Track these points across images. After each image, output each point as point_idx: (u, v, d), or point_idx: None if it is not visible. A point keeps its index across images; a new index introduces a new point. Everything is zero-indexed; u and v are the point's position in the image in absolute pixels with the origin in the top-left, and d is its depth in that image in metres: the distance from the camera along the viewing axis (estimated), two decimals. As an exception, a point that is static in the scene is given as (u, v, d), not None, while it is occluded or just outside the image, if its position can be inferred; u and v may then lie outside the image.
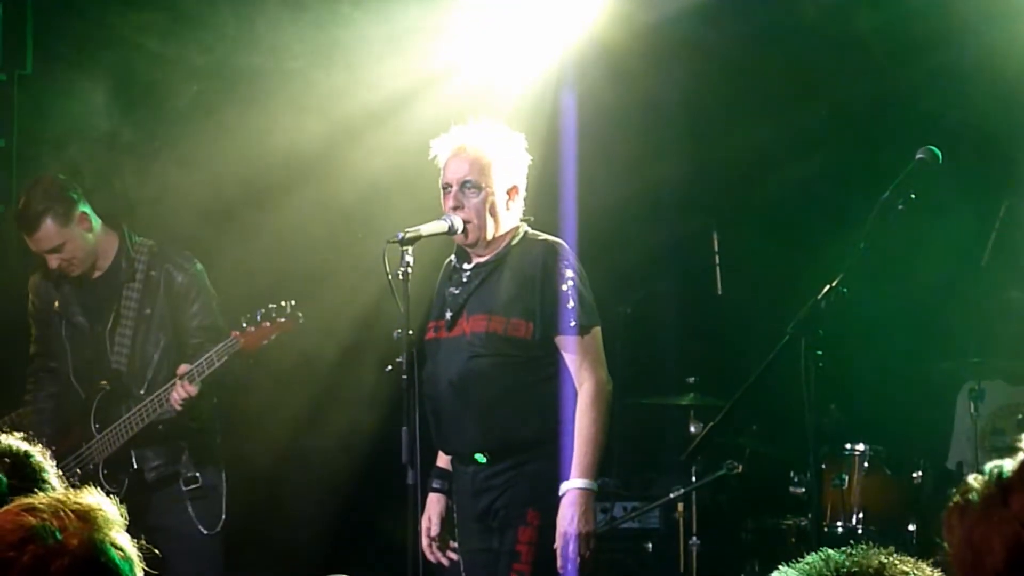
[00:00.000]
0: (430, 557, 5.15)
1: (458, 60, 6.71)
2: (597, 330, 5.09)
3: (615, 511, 7.09)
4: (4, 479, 2.49)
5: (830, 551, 1.60)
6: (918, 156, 4.54)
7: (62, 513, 1.94)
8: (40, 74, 6.86)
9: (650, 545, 7.22)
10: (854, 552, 1.53)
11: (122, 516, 2.01)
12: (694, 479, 6.68)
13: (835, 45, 6.93)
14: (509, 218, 5.09)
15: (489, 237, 5.06)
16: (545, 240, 5.12)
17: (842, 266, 4.45)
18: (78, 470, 5.93)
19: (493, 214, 5.05)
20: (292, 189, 6.91)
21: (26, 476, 2.60)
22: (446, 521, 5.20)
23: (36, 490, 2.55)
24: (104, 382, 5.98)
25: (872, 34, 6.86)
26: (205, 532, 5.97)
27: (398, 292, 4.97)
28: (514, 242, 5.09)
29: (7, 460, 2.59)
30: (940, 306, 6.84)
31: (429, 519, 5.18)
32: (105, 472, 5.91)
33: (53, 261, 5.96)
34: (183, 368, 5.71)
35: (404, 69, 6.68)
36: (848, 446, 6.45)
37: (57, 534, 1.91)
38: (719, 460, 6.47)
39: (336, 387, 7.03)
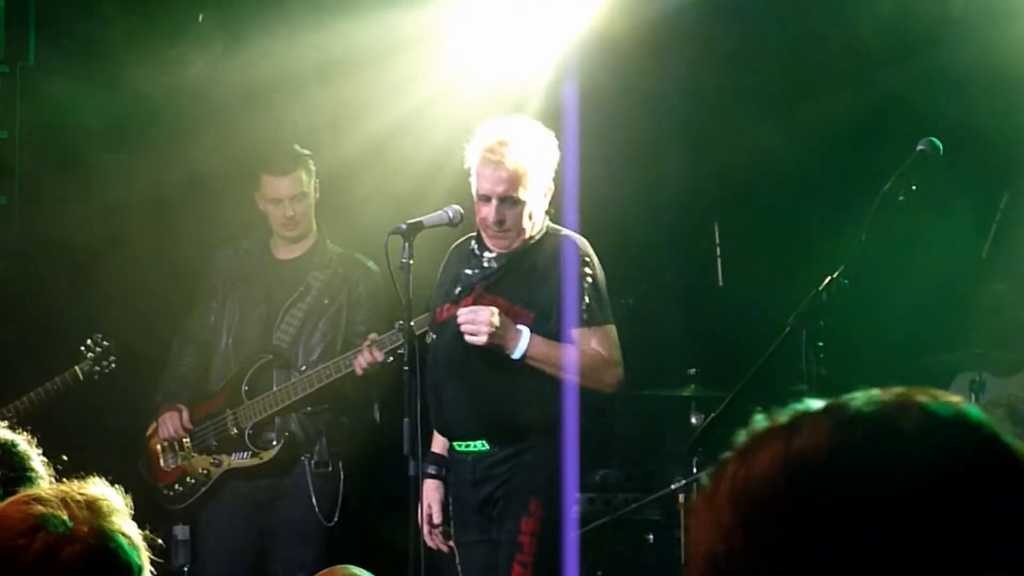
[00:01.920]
0: (431, 544, 5.15)
1: (458, 52, 6.71)
2: (612, 328, 5.12)
3: (616, 502, 7.09)
4: None
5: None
6: (919, 147, 4.54)
7: (69, 502, 1.96)
8: (42, 66, 6.87)
9: (651, 537, 7.22)
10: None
11: (127, 505, 2.02)
12: (695, 471, 6.68)
13: (835, 37, 6.93)
14: (539, 218, 5.12)
15: (525, 238, 5.08)
16: (567, 236, 5.14)
17: (843, 257, 4.45)
18: (213, 438, 6.02)
19: (531, 220, 5.06)
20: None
21: (14, 466, 2.61)
22: (445, 508, 5.21)
23: (24, 479, 2.56)
24: (266, 355, 6.11)
25: (871, 28, 6.86)
26: (321, 520, 6.07)
27: (399, 283, 4.99)
28: (536, 237, 5.12)
29: None
30: (941, 297, 6.84)
31: (429, 507, 5.18)
32: (250, 434, 6.06)
33: (287, 209, 6.12)
34: (373, 335, 5.79)
35: (403, 62, 6.69)
36: (849, 437, 6.45)
37: (67, 522, 1.92)
38: (720, 452, 6.45)
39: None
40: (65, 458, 2.79)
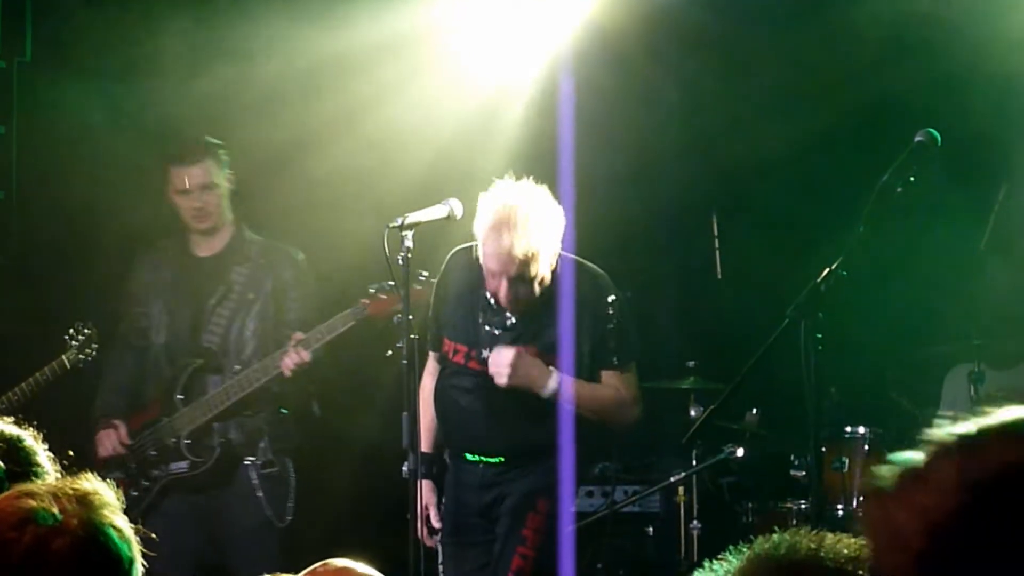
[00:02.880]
0: (429, 544, 5.16)
1: (456, 47, 6.70)
2: (634, 366, 5.21)
3: (616, 495, 7.09)
4: (1, 465, 2.50)
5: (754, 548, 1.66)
6: (917, 139, 4.53)
7: (60, 496, 1.96)
8: (40, 61, 6.86)
9: (651, 529, 7.23)
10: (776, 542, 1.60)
11: (119, 500, 2.02)
12: (695, 463, 6.69)
13: (833, 34, 6.92)
14: (549, 270, 5.08)
15: (537, 293, 5.07)
16: (590, 274, 5.17)
17: (842, 249, 4.45)
18: (152, 447, 5.97)
19: (542, 284, 5.05)
20: (291, 174, 6.90)
21: (20, 461, 2.61)
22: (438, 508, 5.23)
23: (30, 474, 2.56)
24: (195, 357, 6.02)
25: (869, 21, 6.85)
26: (273, 522, 6.00)
27: (398, 277, 4.99)
28: (554, 272, 5.09)
29: (2, 445, 2.60)
30: (939, 289, 6.84)
31: (427, 508, 5.19)
32: (188, 443, 5.97)
33: (197, 201, 6.02)
34: (298, 335, 5.76)
35: (400, 58, 6.68)
36: (848, 429, 6.46)
37: (57, 515, 1.92)
38: (719, 444, 6.48)
39: (335, 374, 7.04)
40: (71, 453, 2.79)
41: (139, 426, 6.07)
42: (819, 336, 4.41)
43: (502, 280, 4.98)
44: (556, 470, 5.04)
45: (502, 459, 5.12)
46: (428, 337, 5.29)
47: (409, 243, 4.96)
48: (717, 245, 7.58)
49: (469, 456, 5.17)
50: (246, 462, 6.01)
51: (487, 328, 5.14)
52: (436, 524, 5.19)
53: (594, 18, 6.64)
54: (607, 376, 5.18)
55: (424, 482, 5.19)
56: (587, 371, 5.15)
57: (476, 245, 5.06)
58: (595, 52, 6.73)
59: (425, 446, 5.25)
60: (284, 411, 6.07)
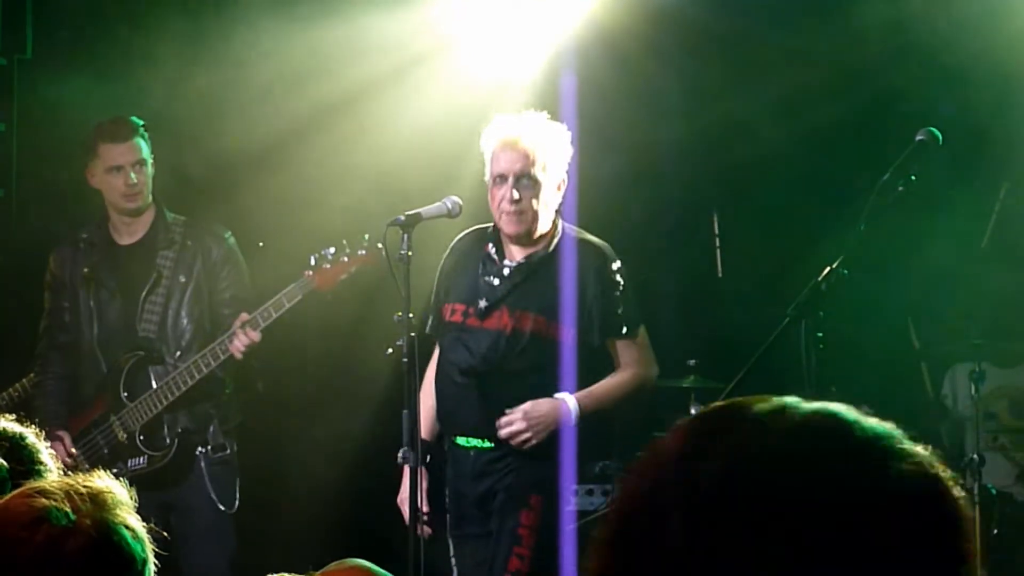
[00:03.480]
0: (425, 531, 5.14)
1: (458, 43, 6.70)
2: (643, 329, 5.21)
3: (616, 494, 7.09)
4: (4, 464, 2.50)
5: None
6: (918, 138, 4.53)
7: (73, 495, 1.95)
8: (40, 59, 6.86)
9: (651, 527, 7.23)
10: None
11: (132, 498, 2.02)
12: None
13: (834, 32, 6.92)
14: (553, 211, 5.13)
15: (540, 231, 5.09)
16: (593, 243, 5.18)
17: (842, 248, 4.45)
18: (104, 447, 5.89)
19: (546, 208, 5.08)
20: (284, 170, 6.90)
21: (23, 459, 2.61)
22: (432, 497, 5.19)
23: (33, 472, 2.56)
24: (136, 351, 5.91)
25: (871, 19, 6.85)
26: (223, 509, 5.91)
27: (398, 275, 4.99)
28: (556, 239, 5.12)
29: (4, 443, 2.60)
30: (940, 288, 6.84)
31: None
32: (142, 439, 5.86)
33: (128, 177, 5.87)
34: (244, 316, 5.69)
35: (401, 53, 6.68)
36: (848, 428, 6.44)
37: (70, 515, 1.92)
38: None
39: (334, 372, 7.04)
40: (74, 451, 2.79)
41: (87, 424, 5.95)
42: (820, 335, 4.41)
43: (508, 183, 5.02)
44: (550, 463, 5.02)
45: (488, 440, 5.08)
46: (432, 324, 5.29)
47: (409, 240, 4.96)
48: (718, 244, 7.57)
49: (461, 441, 5.15)
50: (198, 452, 5.91)
51: (485, 279, 5.15)
52: (425, 509, 5.17)
53: (595, 17, 6.64)
54: (623, 345, 5.17)
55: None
56: (597, 339, 5.14)
57: (480, 227, 5.12)
58: (596, 51, 6.72)
59: (424, 433, 5.24)
60: (228, 392, 5.97)
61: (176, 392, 5.80)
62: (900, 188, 4.45)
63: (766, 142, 7.00)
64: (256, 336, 5.66)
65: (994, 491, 6.25)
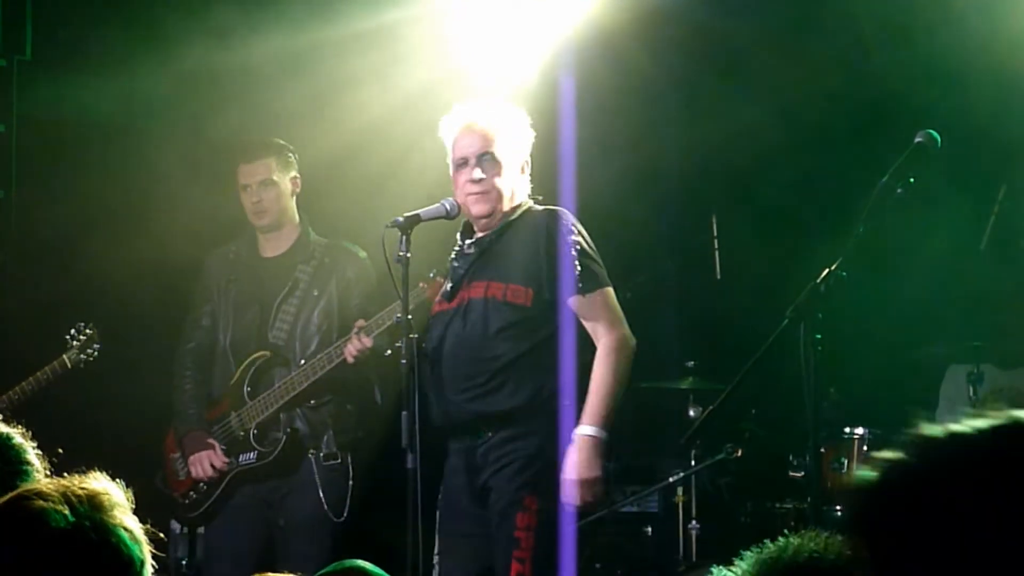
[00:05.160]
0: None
1: (455, 44, 6.70)
2: (609, 290, 5.10)
3: (614, 495, 7.10)
4: None
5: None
6: (917, 140, 4.53)
7: (71, 497, 1.95)
8: (39, 60, 6.86)
9: (649, 529, 7.24)
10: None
11: (129, 499, 2.02)
12: (693, 463, 6.69)
13: (833, 33, 6.93)
14: (520, 193, 5.15)
15: (505, 208, 5.10)
16: (546, 208, 5.16)
17: (841, 250, 4.45)
18: (223, 442, 6.09)
19: (509, 187, 5.10)
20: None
21: (10, 459, 2.61)
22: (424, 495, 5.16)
23: (20, 472, 2.56)
24: (263, 352, 6.11)
25: (868, 22, 6.86)
26: (331, 515, 6.04)
27: (397, 276, 4.99)
28: (516, 215, 5.14)
29: None
30: (939, 290, 6.85)
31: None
32: (255, 433, 6.07)
33: (254, 195, 6.16)
34: (361, 322, 5.80)
35: (399, 55, 6.68)
36: (847, 430, 6.46)
37: (69, 516, 1.92)
38: (718, 444, 6.48)
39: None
40: (60, 451, 2.79)
41: (211, 421, 6.16)
42: (818, 337, 4.41)
43: (470, 165, 5.06)
44: (542, 456, 5.01)
45: (479, 427, 5.06)
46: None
47: (407, 242, 4.97)
48: (716, 245, 7.58)
49: (452, 438, 5.13)
50: (310, 454, 6.08)
51: (454, 266, 5.19)
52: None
53: (594, 18, 6.64)
54: (581, 302, 5.02)
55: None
56: (551, 296, 5.03)
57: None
58: (595, 53, 6.73)
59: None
60: (350, 407, 6.13)
61: (292, 391, 5.99)
62: (899, 190, 4.44)
63: (765, 144, 7.01)
64: (369, 342, 5.76)
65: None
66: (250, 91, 6.90)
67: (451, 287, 5.16)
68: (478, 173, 5.05)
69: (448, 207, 5.09)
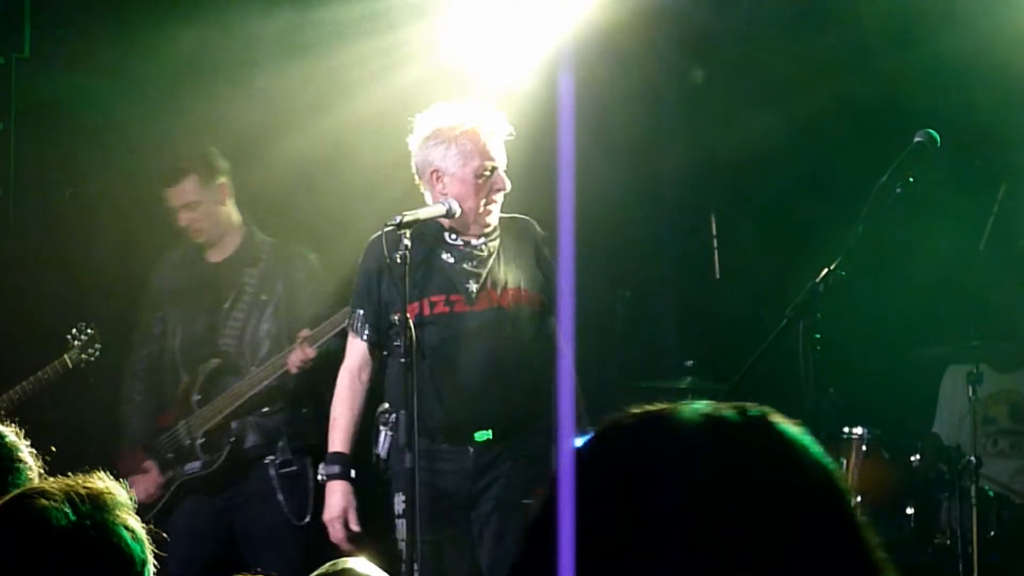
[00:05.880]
0: (347, 547, 5.08)
1: (455, 42, 6.70)
2: None
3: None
4: None
5: None
6: (916, 139, 4.54)
7: (73, 496, 1.95)
8: (38, 58, 6.85)
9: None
10: None
11: (131, 499, 2.02)
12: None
13: (833, 33, 6.93)
14: None
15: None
16: (519, 217, 5.26)
17: (840, 250, 4.45)
18: (170, 451, 6.01)
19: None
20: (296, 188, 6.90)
21: (2, 456, 2.61)
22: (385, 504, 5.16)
23: (13, 470, 2.56)
24: (212, 359, 6.07)
25: (869, 22, 6.86)
26: (295, 522, 6.01)
27: (396, 276, 4.99)
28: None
29: None
30: (938, 289, 6.85)
31: (345, 511, 5.14)
32: (202, 443, 6.01)
33: (183, 219, 6.15)
34: (304, 332, 5.81)
35: (398, 56, 6.68)
36: (846, 430, 6.44)
37: (71, 516, 1.92)
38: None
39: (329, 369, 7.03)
40: (54, 449, 2.79)
41: (160, 429, 6.13)
42: (817, 336, 4.42)
43: (500, 171, 5.11)
44: (546, 455, 5.02)
45: (489, 432, 5.05)
46: (360, 329, 5.21)
47: (407, 241, 4.96)
48: (716, 245, 7.58)
49: (452, 441, 5.09)
50: (265, 461, 6.04)
51: (464, 266, 5.14)
52: (355, 528, 5.15)
53: (593, 17, 6.63)
54: (563, 310, 5.10)
55: (342, 483, 5.16)
56: (552, 301, 5.18)
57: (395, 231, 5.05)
58: (594, 51, 6.72)
59: (344, 446, 5.20)
60: (304, 412, 6.10)
61: (238, 400, 5.96)
62: (898, 190, 4.45)
63: (764, 144, 7.00)
64: (312, 352, 5.78)
65: (992, 493, 6.25)
66: (249, 90, 6.89)
67: (476, 288, 5.11)
68: (508, 183, 5.09)
69: (448, 207, 5.07)
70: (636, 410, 1.40)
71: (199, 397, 6.05)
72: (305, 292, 6.14)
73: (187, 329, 6.16)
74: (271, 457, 6.04)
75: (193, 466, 6.01)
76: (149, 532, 2.02)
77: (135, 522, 2.00)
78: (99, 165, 6.81)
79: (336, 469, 5.17)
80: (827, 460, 1.37)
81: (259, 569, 5.78)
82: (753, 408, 1.39)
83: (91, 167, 6.82)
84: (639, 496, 1.28)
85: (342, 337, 5.51)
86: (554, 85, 6.44)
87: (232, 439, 6.00)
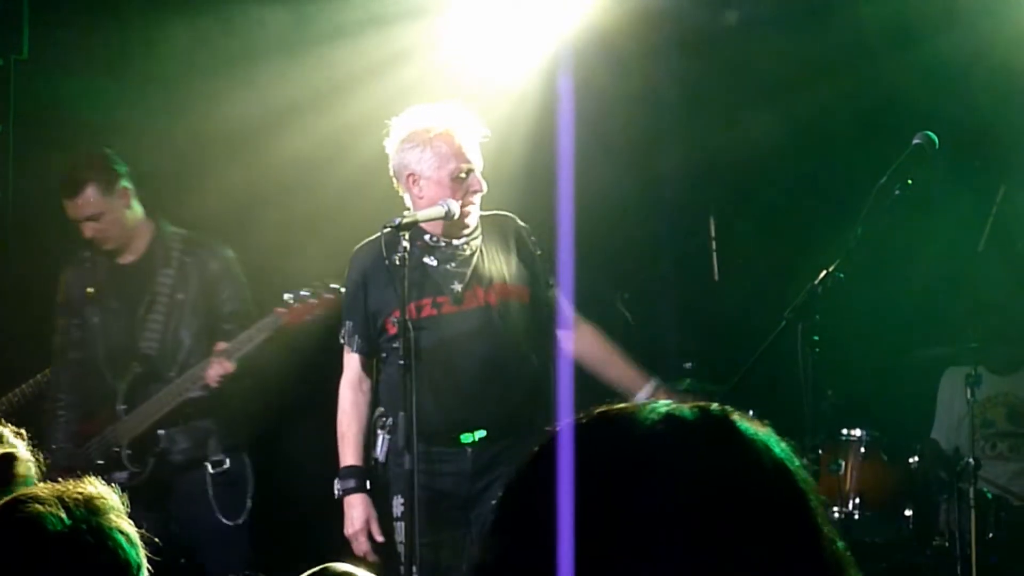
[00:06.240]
0: (372, 559, 5.08)
1: (455, 46, 6.70)
2: None
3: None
4: None
5: None
6: (915, 141, 4.54)
7: (67, 500, 1.95)
8: (37, 59, 6.85)
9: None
10: None
11: (124, 504, 2.01)
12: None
13: (833, 33, 6.92)
14: None
15: None
16: (498, 213, 5.26)
17: (839, 252, 4.45)
18: (97, 459, 5.91)
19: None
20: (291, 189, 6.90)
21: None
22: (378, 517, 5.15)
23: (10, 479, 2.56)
24: (135, 364, 5.97)
25: (869, 23, 6.86)
26: (229, 523, 5.96)
27: (396, 277, 4.98)
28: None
29: None
30: (937, 291, 6.85)
31: (367, 523, 5.13)
32: (128, 453, 5.90)
33: (88, 230, 5.99)
34: (221, 345, 5.75)
35: (397, 57, 6.68)
36: (845, 431, 6.45)
37: (66, 520, 1.91)
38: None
39: (326, 370, 7.03)
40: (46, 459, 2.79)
41: (87, 436, 6.00)
42: (816, 338, 4.42)
43: (477, 173, 5.10)
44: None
45: (484, 431, 5.05)
46: (350, 341, 5.23)
47: (406, 243, 4.95)
48: (714, 246, 7.57)
49: (450, 443, 5.09)
50: (199, 464, 5.96)
51: (447, 267, 5.12)
52: (379, 538, 5.13)
53: (592, 19, 6.64)
54: (562, 294, 5.22)
55: (361, 496, 5.14)
56: (547, 289, 5.23)
57: (381, 237, 5.09)
58: (593, 53, 6.72)
59: (356, 459, 5.19)
60: (231, 413, 6.00)
61: (162, 410, 5.86)
62: (897, 192, 4.45)
63: (764, 145, 7.00)
64: (230, 367, 5.72)
65: (990, 495, 6.25)
66: (248, 88, 6.89)
67: (460, 288, 5.10)
68: (484, 185, 5.10)
69: (447, 208, 5.06)
70: (597, 409, 1.40)
71: (124, 407, 5.93)
72: (222, 285, 6.03)
73: (110, 333, 6.03)
74: (204, 462, 5.95)
75: (120, 476, 5.82)
76: (142, 536, 2.01)
77: (129, 526, 1.99)
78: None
79: (352, 483, 5.16)
80: (789, 459, 1.37)
81: (199, 572, 5.78)
82: (714, 407, 1.39)
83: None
84: (596, 495, 1.28)
85: (262, 346, 5.65)
86: (554, 86, 6.46)
87: (158, 449, 5.90)
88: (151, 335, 5.99)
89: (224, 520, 5.95)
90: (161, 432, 5.91)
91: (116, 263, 6.10)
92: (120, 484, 5.86)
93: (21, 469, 2.59)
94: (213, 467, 5.97)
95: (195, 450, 5.96)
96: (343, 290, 5.43)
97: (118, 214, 6.01)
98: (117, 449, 5.91)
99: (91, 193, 5.96)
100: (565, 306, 5.23)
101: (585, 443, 1.36)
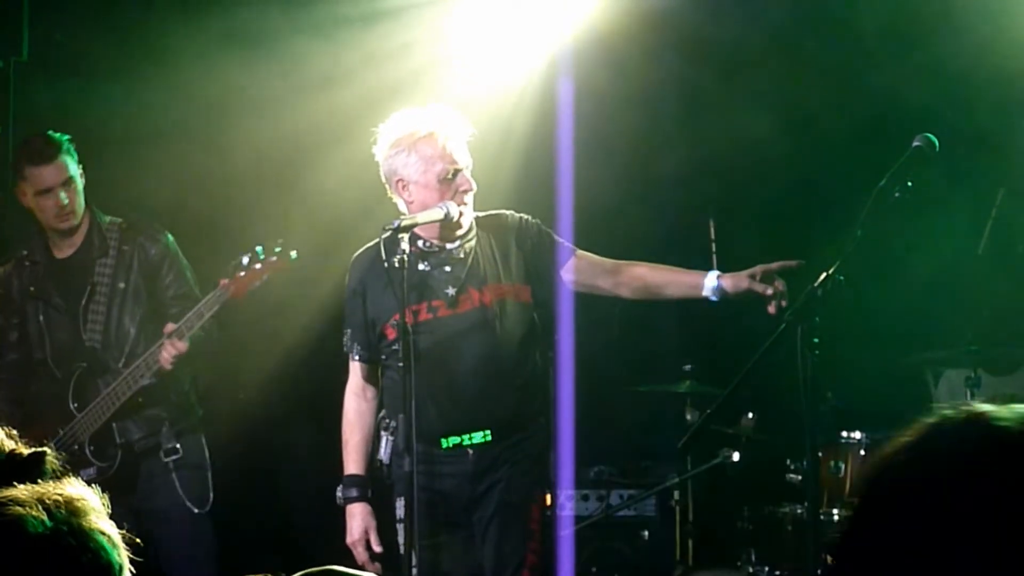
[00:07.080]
0: (371, 568, 5.07)
1: (454, 48, 6.70)
2: None
3: (611, 499, 7.09)
4: None
5: None
6: (914, 144, 4.52)
7: (47, 502, 1.93)
8: (36, 62, 6.85)
9: (646, 533, 7.22)
10: None
11: (104, 504, 2.00)
12: (690, 467, 6.68)
13: (832, 36, 6.92)
14: None
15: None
16: (495, 212, 5.22)
17: (839, 254, 4.44)
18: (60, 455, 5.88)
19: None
20: (283, 185, 6.90)
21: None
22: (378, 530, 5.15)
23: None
24: (80, 360, 5.91)
25: (869, 26, 6.85)
26: (195, 511, 5.92)
27: (395, 278, 4.98)
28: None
29: None
30: (937, 294, 6.84)
31: (366, 533, 5.13)
32: (92, 449, 5.86)
33: (59, 199, 5.85)
34: (170, 326, 5.68)
35: (398, 61, 6.67)
36: (845, 434, 6.44)
37: (47, 522, 1.90)
38: (715, 448, 6.46)
39: (324, 371, 7.02)
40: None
41: (40, 438, 5.95)
42: (815, 340, 4.40)
43: (466, 174, 5.06)
44: (545, 456, 5.03)
45: (488, 433, 5.04)
46: (351, 349, 5.22)
47: (405, 245, 4.95)
48: (714, 249, 7.56)
49: (455, 442, 5.09)
50: (157, 453, 5.92)
51: (441, 271, 5.10)
52: (377, 548, 5.13)
53: (592, 22, 6.63)
54: (581, 254, 5.18)
55: (361, 506, 5.12)
56: (550, 285, 5.16)
57: (380, 242, 5.07)
58: (593, 57, 6.72)
59: (358, 467, 5.18)
60: (178, 399, 5.97)
61: (117, 402, 5.81)
62: (896, 194, 4.44)
63: (763, 147, 6.99)
64: (183, 346, 5.66)
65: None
66: (247, 88, 6.89)
67: (454, 292, 5.09)
68: (474, 184, 5.07)
69: (447, 211, 5.04)
70: (954, 412, 1.48)
71: (76, 404, 5.87)
72: (164, 269, 5.97)
73: (53, 331, 5.97)
74: (162, 452, 5.91)
75: (88, 472, 5.79)
76: (124, 537, 2.00)
77: (110, 527, 1.98)
78: (97, 168, 6.79)
79: (354, 492, 5.14)
80: None
81: (171, 564, 5.74)
82: None
83: (89, 171, 6.80)
84: (961, 497, 1.35)
85: (213, 320, 5.63)
86: (554, 87, 6.46)
87: (122, 442, 5.87)
88: (94, 326, 5.92)
89: (192, 508, 5.91)
90: (115, 425, 5.87)
91: (54, 258, 6.03)
92: (89, 481, 5.90)
93: (51, 466, 2.58)
94: (166, 454, 5.92)
95: (149, 438, 5.91)
96: (293, 254, 5.46)
97: (79, 188, 5.92)
98: (78, 447, 5.86)
99: (65, 159, 5.86)
100: (598, 260, 5.18)
101: (954, 441, 1.46)
